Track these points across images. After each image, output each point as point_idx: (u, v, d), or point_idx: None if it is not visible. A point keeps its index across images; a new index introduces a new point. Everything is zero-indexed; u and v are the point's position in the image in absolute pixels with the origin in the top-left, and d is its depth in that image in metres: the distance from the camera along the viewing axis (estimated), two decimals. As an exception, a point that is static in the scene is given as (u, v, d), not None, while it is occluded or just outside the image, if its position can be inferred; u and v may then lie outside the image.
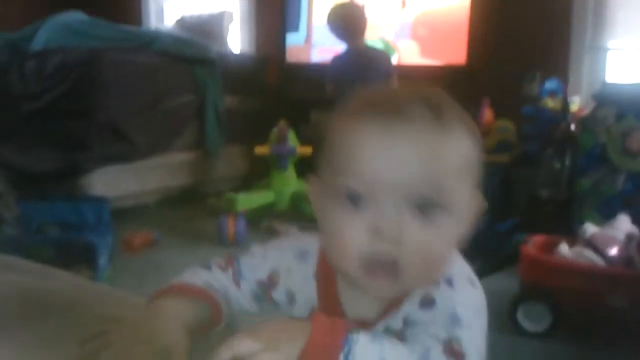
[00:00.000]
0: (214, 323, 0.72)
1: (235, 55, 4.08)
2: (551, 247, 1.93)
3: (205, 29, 3.93)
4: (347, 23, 2.88)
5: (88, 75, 2.69)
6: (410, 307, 0.65)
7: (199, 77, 3.15)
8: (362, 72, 2.79)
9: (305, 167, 3.04)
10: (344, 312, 0.69)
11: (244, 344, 0.57)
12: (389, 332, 0.66)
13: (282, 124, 2.91)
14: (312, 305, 0.71)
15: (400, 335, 0.65)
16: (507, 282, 2.05)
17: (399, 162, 0.60)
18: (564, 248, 1.89)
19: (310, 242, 0.73)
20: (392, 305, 0.66)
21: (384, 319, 0.67)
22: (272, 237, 2.80)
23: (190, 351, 0.65)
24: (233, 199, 2.68)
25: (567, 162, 2.73)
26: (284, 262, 0.73)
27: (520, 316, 1.84)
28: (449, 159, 0.62)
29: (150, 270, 2.24)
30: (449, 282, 0.65)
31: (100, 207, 2.25)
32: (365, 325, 0.67)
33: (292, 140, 2.92)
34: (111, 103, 2.74)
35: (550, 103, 2.91)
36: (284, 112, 3.08)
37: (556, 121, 2.82)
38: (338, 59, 2.92)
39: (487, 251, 2.38)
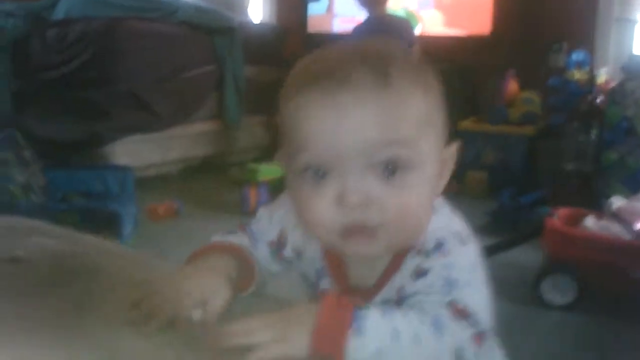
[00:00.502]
0: (248, 283, 0.72)
1: (256, 25, 4.05)
2: (577, 220, 1.91)
3: (227, -1, 3.91)
4: None
5: (109, 45, 2.69)
6: (402, 279, 0.65)
7: (219, 47, 3.13)
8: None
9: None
10: (347, 278, 0.70)
11: (251, 334, 0.57)
12: (387, 304, 0.65)
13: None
14: (316, 263, 0.72)
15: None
16: (532, 255, 2.04)
17: (350, 131, 0.60)
18: (589, 221, 1.87)
19: None
20: (391, 269, 0.66)
21: (381, 290, 0.67)
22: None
23: (230, 303, 0.66)
24: (255, 169, 2.69)
25: (593, 135, 2.69)
26: (289, 220, 0.73)
27: (544, 289, 1.84)
28: (401, 118, 0.61)
29: (174, 239, 2.26)
30: (439, 247, 0.64)
31: (124, 176, 2.27)
32: (364, 296, 0.67)
33: (313, 110, 2.91)
34: (132, 72, 2.74)
35: (577, 75, 2.86)
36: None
37: (582, 93, 2.77)
38: (358, 28, 2.89)
39: (511, 224, 2.37)
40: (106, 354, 0.57)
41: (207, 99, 3.13)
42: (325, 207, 0.61)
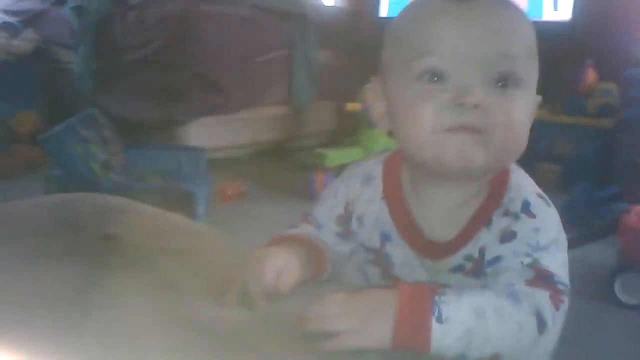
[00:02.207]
0: (320, 270, 0.73)
1: (328, 8, 4.04)
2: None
3: (299, -17, 3.91)
4: None
5: (185, 28, 2.75)
6: (487, 237, 0.66)
7: (291, 31, 3.15)
8: None
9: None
10: (421, 232, 0.71)
11: (330, 321, 0.58)
12: (469, 260, 0.68)
13: (375, 80, 2.88)
14: (381, 227, 0.73)
15: (476, 267, 0.67)
16: (606, 251, 1.99)
17: (478, 38, 0.64)
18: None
19: (373, 166, 0.76)
20: (475, 225, 0.67)
21: (464, 246, 0.68)
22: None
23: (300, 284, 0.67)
24: (323, 155, 2.70)
25: (674, 129, 2.58)
26: (353, 191, 0.76)
27: (618, 287, 1.79)
28: (522, 37, 0.66)
29: (241, 220, 2.31)
30: (527, 208, 0.66)
31: (198, 157, 2.33)
32: (445, 249, 0.68)
33: (383, 97, 2.90)
34: (207, 55, 2.79)
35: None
36: (376, 69, 3.04)
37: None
38: None
39: (586, 219, 2.30)
40: (196, 331, 0.60)
41: (278, 83, 3.16)
42: (441, 108, 0.63)
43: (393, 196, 0.73)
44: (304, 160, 3.03)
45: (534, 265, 0.62)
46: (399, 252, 0.72)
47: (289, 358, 0.57)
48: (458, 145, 0.63)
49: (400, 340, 0.57)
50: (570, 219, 2.43)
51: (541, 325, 0.59)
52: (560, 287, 0.62)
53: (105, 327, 0.60)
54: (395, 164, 0.75)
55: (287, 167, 3.15)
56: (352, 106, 2.88)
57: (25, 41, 3.07)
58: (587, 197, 2.40)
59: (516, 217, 0.66)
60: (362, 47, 3.58)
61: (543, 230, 0.65)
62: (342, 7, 4.09)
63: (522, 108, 0.65)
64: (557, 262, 0.64)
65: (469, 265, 0.68)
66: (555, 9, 3.20)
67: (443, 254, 0.69)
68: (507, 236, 0.65)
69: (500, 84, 0.64)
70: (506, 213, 0.66)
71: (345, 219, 0.76)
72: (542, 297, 0.60)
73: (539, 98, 0.70)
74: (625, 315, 1.75)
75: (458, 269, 0.68)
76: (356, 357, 0.56)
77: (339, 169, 2.75)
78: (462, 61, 0.63)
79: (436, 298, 0.57)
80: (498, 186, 0.69)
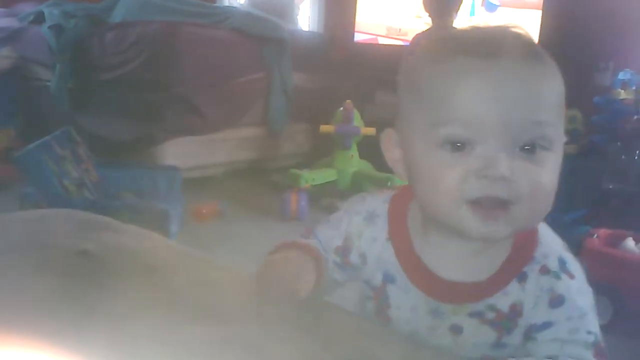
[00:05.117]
0: (319, 283, 0.73)
1: (304, 33, 4.11)
2: (617, 242, 1.90)
3: (277, 7, 3.98)
4: None
5: (165, 49, 2.78)
6: (523, 294, 0.64)
7: (269, 55, 3.20)
8: None
9: (368, 147, 3.04)
10: (434, 275, 0.68)
11: None
12: (492, 310, 0.66)
13: (348, 104, 2.93)
14: (383, 267, 0.72)
15: (502, 320, 0.65)
16: (569, 273, 2.03)
17: (503, 104, 0.58)
18: (630, 243, 1.86)
19: (378, 204, 0.74)
20: (502, 277, 0.65)
21: (490, 295, 0.65)
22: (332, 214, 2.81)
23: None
24: (297, 176, 2.74)
25: (637, 155, 2.66)
26: (355, 226, 0.74)
27: (580, 308, 1.83)
28: (550, 97, 0.61)
29: (217, 239, 2.32)
30: (564, 266, 0.65)
31: (173, 176, 2.35)
32: (466, 293, 0.66)
33: (356, 120, 2.95)
34: (185, 77, 2.82)
35: (622, 94, 2.83)
36: (350, 92, 3.10)
37: (628, 113, 2.75)
38: (420, 38, 2.87)
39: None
40: (176, 350, 0.61)
41: (255, 104, 3.20)
42: (463, 178, 0.60)
43: (399, 238, 0.71)
44: (278, 180, 3.06)
45: (596, 345, 0.62)
46: (401, 295, 0.70)
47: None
48: (482, 217, 0.60)
49: None
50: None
51: None
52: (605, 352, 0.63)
53: (78, 344, 0.61)
54: (401, 204, 0.73)
55: (262, 187, 3.17)
56: (326, 128, 2.93)
57: (2, 59, 3.07)
58: (553, 219, 2.46)
59: (557, 276, 0.64)
60: (337, 71, 3.65)
61: (584, 291, 0.65)
62: (318, 32, 4.16)
63: (550, 171, 0.61)
64: (595, 321, 0.64)
65: (491, 316, 0.66)
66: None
67: (463, 298, 0.67)
68: (556, 301, 0.63)
69: (527, 147, 0.60)
70: (544, 271, 0.65)
71: (343, 251, 0.75)
72: None
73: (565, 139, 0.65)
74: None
75: (477, 315, 0.67)
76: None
77: (312, 190, 2.80)
78: (488, 130, 0.59)
79: None
80: (525, 238, 0.67)
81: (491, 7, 3.49)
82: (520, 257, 0.66)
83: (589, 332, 0.63)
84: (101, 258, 0.80)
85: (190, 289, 0.72)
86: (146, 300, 0.70)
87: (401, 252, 0.71)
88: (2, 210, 1.08)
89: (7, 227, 0.91)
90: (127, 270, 0.78)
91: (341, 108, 2.94)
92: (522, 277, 0.65)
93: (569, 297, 0.64)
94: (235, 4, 4.18)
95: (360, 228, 0.74)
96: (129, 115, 2.79)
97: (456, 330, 0.68)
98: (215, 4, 3.83)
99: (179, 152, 2.84)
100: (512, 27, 0.63)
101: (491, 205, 0.60)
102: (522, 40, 0.62)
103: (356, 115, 2.96)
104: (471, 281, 0.66)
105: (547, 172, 0.61)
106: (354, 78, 3.54)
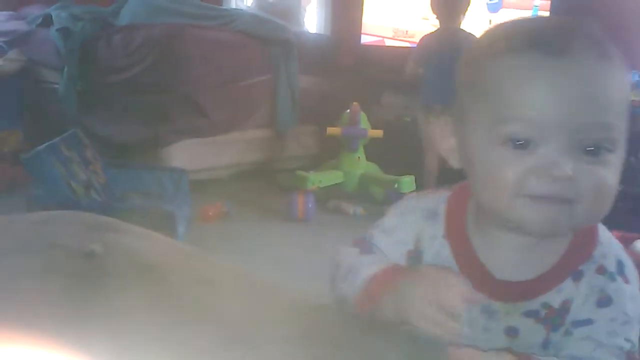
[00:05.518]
0: None
1: (311, 35, 4.11)
2: (626, 244, 1.89)
3: (283, 9, 3.99)
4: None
5: (171, 51, 2.79)
6: (575, 291, 0.63)
7: (275, 57, 3.20)
8: (450, 54, 2.75)
9: (375, 149, 3.03)
10: (489, 273, 0.67)
11: None
12: (546, 308, 0.65)
13: (355, 106, 2.93)
14: (440, 264, 0.69)
15: (551, 316, 0.64)
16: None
17: (572, 105, 0.57)
18: (639, 245, 1.85)
19: (437, 202, 0.72)
20: (557, 275, 0.64)
21: (545, 292, 0.65)
22: (338, 216, 2.80)
23: None
24: (304, 177, 2.74)
25: (646, 157, 2.65)
26: (418, 224, 0.72)
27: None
28: (617, 98, 0.59)
29: (223, 240, 2.32)
30: (621, 270, 0.64)
31: (180, 178, 2.35)
32: (521, 292, 0.65)
33: (363, 122, 2.95)
34: (192, 79, 2.83)
35: (632, 96, 2.82)
36: (356, 94, 3.10)
37: (636, 115, 2.73)
38: (427, 39, 2.88)
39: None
40: (180, 350, 0.62)
41: (262, 106, 3.20)
42: (525, 174, 0.59)
43: (457, 236, 0.70)
44: (285, 182, 3.06)
45: (630, 355, 0.62)
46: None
47: None
48: (543, 213, 0.59)
49: None
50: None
51: None
52: None
53: (84, 344, 0.61)
54: (459, 201, 0.71)
55: (268, 189, 3.18)
56: (332, 130, 2.93)
57: (11, 61, 3.09)
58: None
59: (612, 278, 0.63)
60: (343, 73, 3.65)
61: (635, 298, 0.63)
62: (325, 34, 4.16)
63: (613, 173, 0.60)
64: (637, 331, 0.63)
65: (543, 313, 0.65)
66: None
67: (518, 297, 0.66)
68: (604, 301, 0.63)
69: (591, 148, 0.59)
70: (601, 270, 0.64)
71: (416, 254, 0.72)
72: None
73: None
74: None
75: (532, 314, 0.66)
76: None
77: (319, 192, 2.80)
78: (554, 130, 0.58)
79: None
80: (584, 236, 0.66)
81: (494, 7, 3.49)
82: (578, 255, 0.65)
83: (627, 340, 0.62)
84: (107, 259, 0.81)
85: (196, 289, 0.72)
86: (152, 300, 0.71)
87: (458, 249, 0.69)
88: (9, 212, 1.09)
89: (14, 228, 0.91)
90: (133, 271, 0.78)
91: (348, 110, 2.94)
92: (578, 275, 0.65)
93: (618, 300, 0.63)
94: (241, 6, 4.19)
95: (422, 225, 0.72)
96: (136, 118, 2.80)
97: (512, 332, 0.67)
98: (221, 7, 3.84)
99: (186, 154, 2.85)
100: (581, 22, 0.62)
101: (553, 202, 0.59)
102: (593, 39, 0.60)
103: (363, 117, 2.96)
104: (526, 279, 0.66)
105: (610, 173, 0.60)
106: (361, 80, 3.54)
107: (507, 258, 0.66)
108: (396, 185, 2.73)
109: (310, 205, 2.68)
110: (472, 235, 0.69)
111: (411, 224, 0.72)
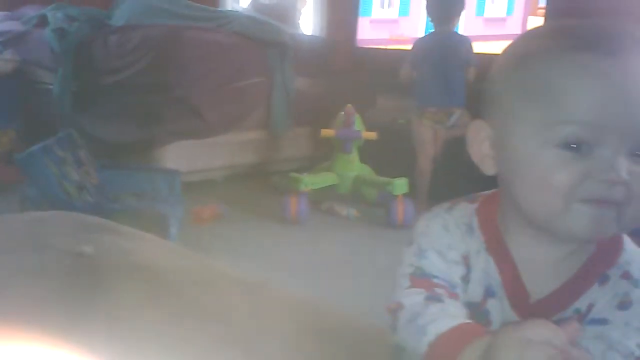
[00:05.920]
0: None
1: (306, 37, 4.12)
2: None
3: (279, 11, 3.99)
4: (444, 2, 2.83)
5: (167, 52, 2.80)
6: (599, 294, 0.64)
7: (271, 59, 3.21)
8: (444, 57, 2.77)
9: (369, 152, 3.03)
10: (525, 291, 0.66)
11: None
12: (577, 312, 0.65)
13: (349, 108, 2.94)
14: (487, 281, 0.67)
15: (578, 320, 0.63)
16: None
17: (629, 107, 0.57)
18: None
19: (468, 215, 0.69)
20: (584, 281, 0.64)
21: (576, 300, 0.64)
22: (332, 217, 2.80)
23: None
24: (298, 179, 2.74)
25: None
26: (464, 240, 0.68)
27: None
28: None
29: (217, 242, 2.33)
30: None
31: (173, 179, 2.36)
32: (553, 308, 0.64)
33: (358, 124, 2.96)
34: (187, 80, 2.83)
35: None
36: (351, 96, 3.11)
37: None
38: (422, 42, 2.90)
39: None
40: (173, 349, 0.62)
41: (257, 108, 3.21)
42: (578, 177, 0.58)
43: (498, 250, 0.67)
44: (279, 184, 3.06)
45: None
46: (499, 308, 0.67)
47: None
48: (593, 217, 0.59)
49: None
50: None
51: None
52: None
53: (75, 343, 0.62)
54: (490, 213, 0.69)
55: (262, 191, 3.18)
56: (326, 132, 2.93)
57: (5, 62, 3.08)
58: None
59: (636, 284, 0.63)
60: (338, 75, 3.66)
61: None
62: (320, 36, 4.17)
63: None
64: None
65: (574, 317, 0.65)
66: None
67: (556, 311, 0.65)
68: (624, 305, 0.63)
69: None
70: (626, 276, 0.64)
71: (465, 276, 0.67)
72: None
73: None
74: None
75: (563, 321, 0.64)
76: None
77: (312, 194, 2.80)
78: (610, 132, 0.57)
79: None
80: (610, 243, 0.65)
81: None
82: (603, 261, 0.65)
83: (639, 345, 0.62)
84: (99, 259, 0.81)
85: (187, 289, 0.73)
86: (143, 300, 0.71)
87: (502, 266, 0.67)
88: (2, 212, 1.09)
89: (7, 228, 0.92)
90: (125, 271, 0.79)
91: (342, 112, 2.95)
92: (604, 279, 0.65)
93: (636, 305, 0.63)
94: (237, 8, 4.19)
95: (468, 242, 0.68)
96: (131, 118, 2.80)
97: None
98: (217, 8, 3.84)
99: (181, 155, 2.85)
100: (624, 24, 0.61)
101: (603, 206, 0.58)
102: None
103: (357, 119, 2.96)
104: (554, 288, 0.65)
105: None
106: (356, 82, 3.55)
107: (541, 270, 0.66)
108: (389, 188, 2.73)
109: (303, 207, 2.69)
110: (510, 247, 0.67)
111: (458, 241, 0.68)
